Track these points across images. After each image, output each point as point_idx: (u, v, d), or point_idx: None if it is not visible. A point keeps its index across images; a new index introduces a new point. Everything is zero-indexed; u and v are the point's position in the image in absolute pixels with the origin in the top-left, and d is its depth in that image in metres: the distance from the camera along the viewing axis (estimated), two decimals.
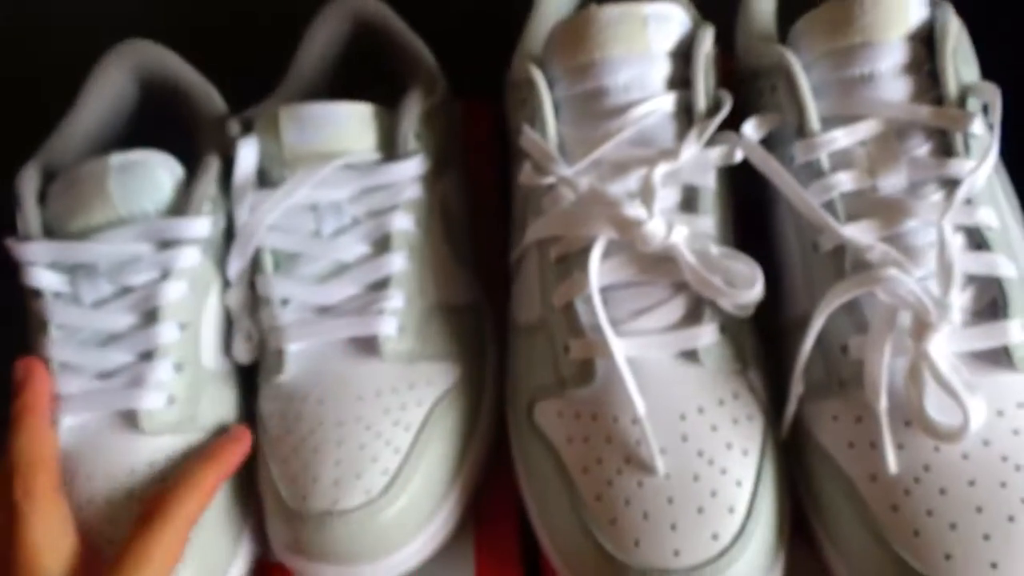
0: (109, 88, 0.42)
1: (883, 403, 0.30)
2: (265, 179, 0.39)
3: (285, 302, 0.37)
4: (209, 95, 0.43)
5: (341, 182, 0.38)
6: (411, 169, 0.38)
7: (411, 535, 0.34)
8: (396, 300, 0.36)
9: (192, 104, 0.42)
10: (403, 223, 0.38)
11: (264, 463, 0.36)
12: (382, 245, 0.37)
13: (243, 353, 0.38)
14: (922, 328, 0.30)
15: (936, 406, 0.30)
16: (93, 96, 0.42)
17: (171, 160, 0.38)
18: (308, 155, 0.38)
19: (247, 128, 0.39)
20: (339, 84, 0.44)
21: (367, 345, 0.36)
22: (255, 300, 0.38)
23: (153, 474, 0.35)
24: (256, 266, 0.38)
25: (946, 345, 0.30)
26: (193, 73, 0.43)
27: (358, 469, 0.33)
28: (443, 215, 0.40)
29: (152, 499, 0.33)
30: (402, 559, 0.34)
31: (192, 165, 0.39)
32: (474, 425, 0.37)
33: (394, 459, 0.34)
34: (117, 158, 0.37)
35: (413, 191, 0.38)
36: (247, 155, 0.38)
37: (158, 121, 0.43)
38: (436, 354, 0.37)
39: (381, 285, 0.37)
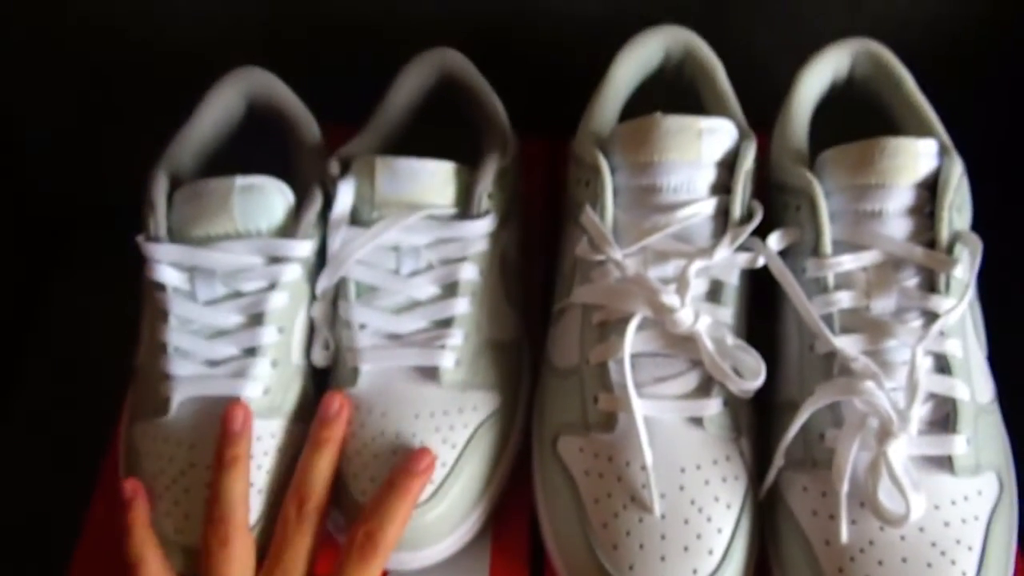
0: (222, 105, 0.49)
1: (845, 487, 0.38)
2: (356, 216, 0.45)
3: (363, 327, 0.44)
4: (309, 124, 0.49)
5: (422, 230, 0.44)
6: (483, 227, 0.45)
7: (445, 535, 0.41)
8: (456, 337, 0.43)
9: (293, 130, 0.49)
10: (470, 273, 0.44)
11: None
12: (450, 289, 0.44)
13: (320, 359, 0.45)
14: (885, 434, 0.37)
15: (887, 495, 0.37)
16: (209, 110, 0.48)
17: (285, 187, 0.45)
18: (396, 202, 0.44)
19: (345, 167, 0.45)
20: (418, 124, 0.51)
21: (428, 372, 0.43)
22: (336, 318, 0.45)
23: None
24: (340, 291, 0.45)
25: (903, 449, 0.38)
26: (296, 101, 0.49)
27: None
28: (502, 262, 0.47)
29: (363, 535, 0.39)
30: (434, 553, 0.41)
31: (287, 177, 0.46)
32: (505, 446, 0.44)
33: (440, 471, 0.41)
34: (241, 180, 0.43)
35: (481, 245, 0.45)
36: (345, 195, 0.44)
37: (256, 139, 0.50)
38: (483, 384, 0.44)
39: (446, 323, 0.44)
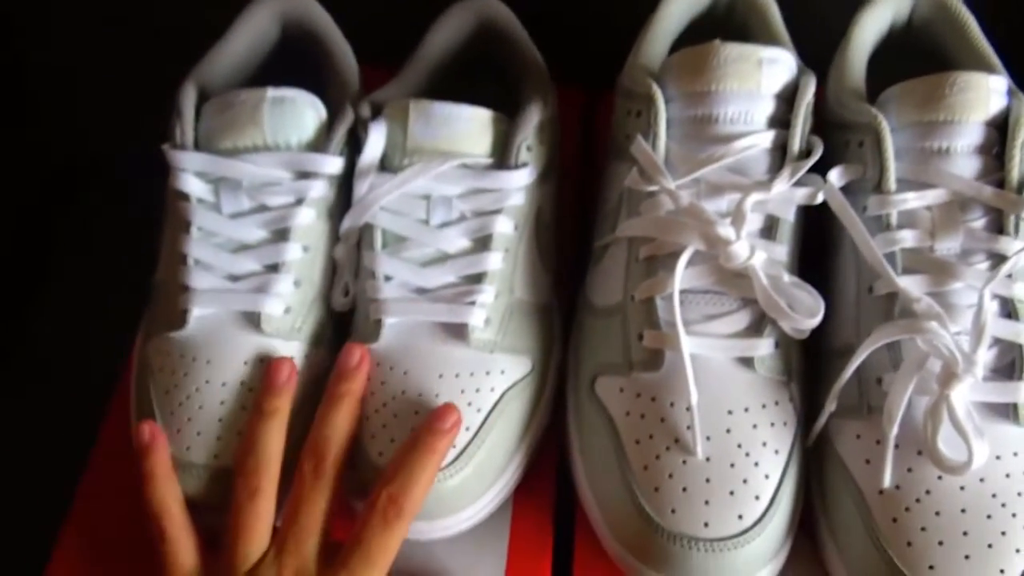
0: (257, 26, 0.47)
1: (895, 430, 0.37)
2: (386, 162, 0.43)
3: (388, 278, 0.42)
4: (344, 49, 0.48)
5: (455, 179, 0.42)
6: (520, 179, 0.43)
7: (467, 503, 0.40)
8: (487, 294, 0.41)
9: (327, 54, 0.48)
10: (504, 226, 0.42)
11: None
12: (483, 243, 0.42)
13: (340, 303, 0.44)
14: (949, 377, 0.36)
15: (946, 442, 0.36)
16: (243, 30, 0.47)
17: (318, 102, 0.43)
18: (428, 149, 0.42)
19: (376, 111, 0.44)
20: (455, 75, 0.49)
21: (455, 330, 0.41)
22: (360, 266, 0.43)
23: (261, 369, 0.40)
24: (365, 239, 0.43)
25: (967, 393, 0.36)
26: (333, 26, 0.48)
27: None
28: (537, 221, 0.45)
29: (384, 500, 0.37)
30: (453, 523, 0.40)
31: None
32: (534, 413, 0.43)
33: (464, 436, 0.39)
34: (273, 91, 0.42)
35: (517, 198, 0.43)
36: (376, 138, 0.42)
37: (291, 61, 0.48)
38: (512, 347, 0.42)
39: (476, 279, 0.42)
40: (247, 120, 0.42)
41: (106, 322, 0.47)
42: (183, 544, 0.38)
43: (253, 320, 0.41)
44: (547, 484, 0.44)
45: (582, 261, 0.46)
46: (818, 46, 0.47)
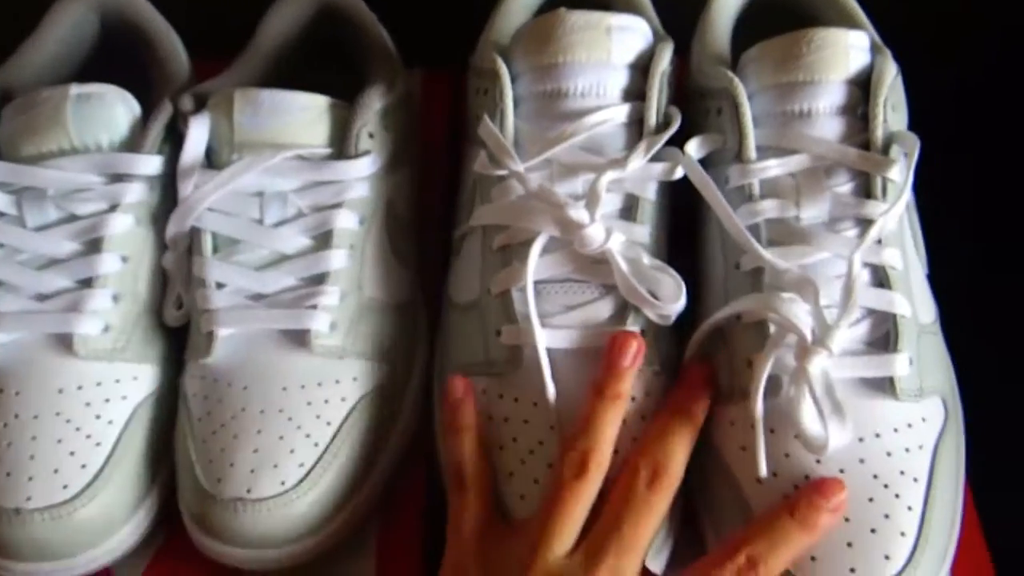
0: (70, 19, 0.43)
1: (759, 412, 0.34)
2: (213, 159, 0.40)
3: (220, 286, 0.39)
4: (170, 41, 0.44)
5: (289, 172, 0.39)
6: (360, 169, 0.40)
7: (318, 527, 0.36)
8: (331, 296, 0.38)
9: (152, 47, 0.44)
10: (347, 221, 0.39)
11: (183, 439, 0.38)
12: (323, 240, 0.39)
13: (172, 318, 0.40)
14: (803, 351, 0.34)
15: (816, 421, 0.34)
16: (54, 24, 0.43)
17: (129, 97, 0.40)
18: (258, 141, 0.39)
19: (200, 104, 0.40)
20: (296, 64, 0.46)
21: (298, 337, 0.38)
22: (190, 276, 0.40)
23: (81, 397, 0.37)
24: (194, 245, 0.40)
25: (825, 367, 0.34)
26: (157, 17, 0.44)
27: (275, 459, 0.36)
28: (389, 213, 0.42)
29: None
30: (306, 548, 0.37)
31: (145, 104, 0.41)
32: (393, 424, 0.40)
33: (312, 452, 0.36)
34: (76, 88, 0.39)
35: (360, 190, 0.40)
36: (198, 133, 0.39)
37: (114, 57, 0.45)
38: (365, 352, 0.39)
39: (318, 280, 0.39)
40: (50, 121, 0.38)
41: None
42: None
43: (65, 343, 0.37)
44: (416, 494, 0.41)
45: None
46: (686, 15, 0.45)
